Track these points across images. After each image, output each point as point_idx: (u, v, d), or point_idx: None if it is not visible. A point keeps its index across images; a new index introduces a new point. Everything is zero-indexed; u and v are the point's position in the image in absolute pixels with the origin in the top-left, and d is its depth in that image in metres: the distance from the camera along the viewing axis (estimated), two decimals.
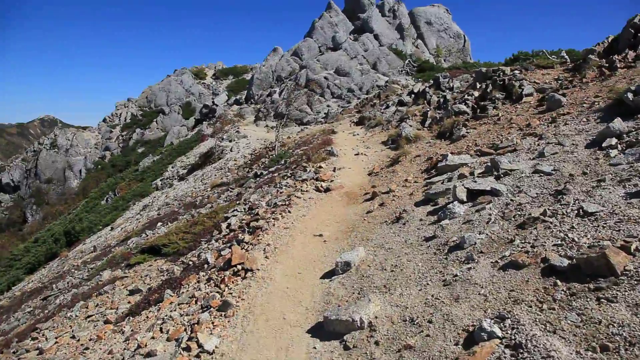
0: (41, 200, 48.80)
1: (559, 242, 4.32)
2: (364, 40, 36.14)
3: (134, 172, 38.37)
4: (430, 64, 32.83)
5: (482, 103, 12.61)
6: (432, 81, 19.88)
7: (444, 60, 36.88)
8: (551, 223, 4.73)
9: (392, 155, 12.21)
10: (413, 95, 18.91)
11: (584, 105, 8.80)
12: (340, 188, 9.98)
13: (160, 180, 31.78)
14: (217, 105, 41.80)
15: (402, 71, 32.76)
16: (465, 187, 6.52)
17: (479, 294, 4.12)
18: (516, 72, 13.60)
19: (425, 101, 17.62)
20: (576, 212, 4.75)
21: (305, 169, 12.44)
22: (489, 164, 7.17)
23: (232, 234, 9.82)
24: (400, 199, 8.00)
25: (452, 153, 9.16)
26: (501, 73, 14.47)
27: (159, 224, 16.39)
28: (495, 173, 6.85)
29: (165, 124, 48.21)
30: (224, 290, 6.46)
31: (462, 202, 6.37)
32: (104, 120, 58.59)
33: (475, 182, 6.59)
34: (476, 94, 13.97)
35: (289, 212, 8.78)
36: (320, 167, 12.21)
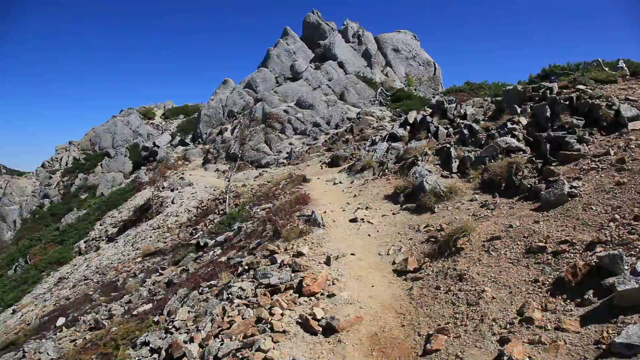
0: None
1: None
2: (327, 68, 31.74)
3: (54, 231, 31.05)
4: (406, 93, 28.71)
5: (551, 135, 7.91)
6: (428, 109, 15.35)
7: (415, 90, 33.08)
8: None
9: (422, 226, 7.09)
10: (408, 127, 14.20)
11: None
12: (356, 322, 4.64)
13: (85, 242, 25.56)
14: (158, 147, 35.48)
15: (374, 101, 28.37)
16: None
17: None
18: (582, 87, 9.14)
19: (429, 134, 12.93)
20: None
21: (272, 258, 7.03)
22: None
23: None
24: None
25: (598, 242, 4.16)
26: (548, 91, 10.04)
27: (61, 320, 11.39)
28: None
29: (111, 167, 42.03)
30: None
31: None
32: (43, 165, 51.36)
33: None
34: (524, 120, 9.35)
35: None
36: (300, 252, 6.88)
